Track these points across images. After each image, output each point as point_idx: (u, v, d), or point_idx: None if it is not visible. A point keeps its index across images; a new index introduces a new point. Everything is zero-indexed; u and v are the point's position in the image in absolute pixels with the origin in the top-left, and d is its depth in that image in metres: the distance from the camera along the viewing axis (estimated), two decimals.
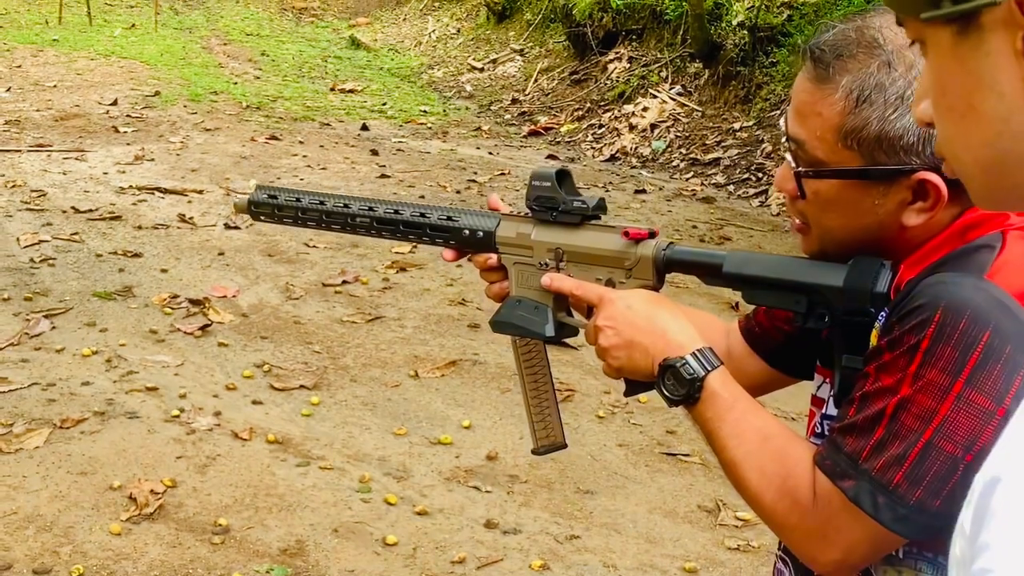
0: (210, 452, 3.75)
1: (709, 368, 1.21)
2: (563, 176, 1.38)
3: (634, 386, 1.30)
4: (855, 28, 1.18)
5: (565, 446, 1.48)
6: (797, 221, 1.27)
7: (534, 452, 1.49)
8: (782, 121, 1.26)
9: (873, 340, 1.18)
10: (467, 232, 1.46)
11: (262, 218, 1.65)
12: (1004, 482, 0.58)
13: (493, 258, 1.45)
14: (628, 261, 1.31)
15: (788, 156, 1.23)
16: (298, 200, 1.60)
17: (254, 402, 4.16)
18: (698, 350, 1.22)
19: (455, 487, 3.66)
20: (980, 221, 1.17)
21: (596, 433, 4.11)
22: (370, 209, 1.53)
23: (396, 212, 1.51)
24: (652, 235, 1.31)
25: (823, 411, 1.33)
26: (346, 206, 1.55)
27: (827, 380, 1.34)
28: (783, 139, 1.26)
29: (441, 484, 3.67)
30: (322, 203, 1.57)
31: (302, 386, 4.32)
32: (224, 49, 13.79)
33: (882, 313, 1.18)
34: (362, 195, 7.38)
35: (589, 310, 1.34)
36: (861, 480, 1.10)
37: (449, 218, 1.47)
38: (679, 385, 1.21)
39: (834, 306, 1.17)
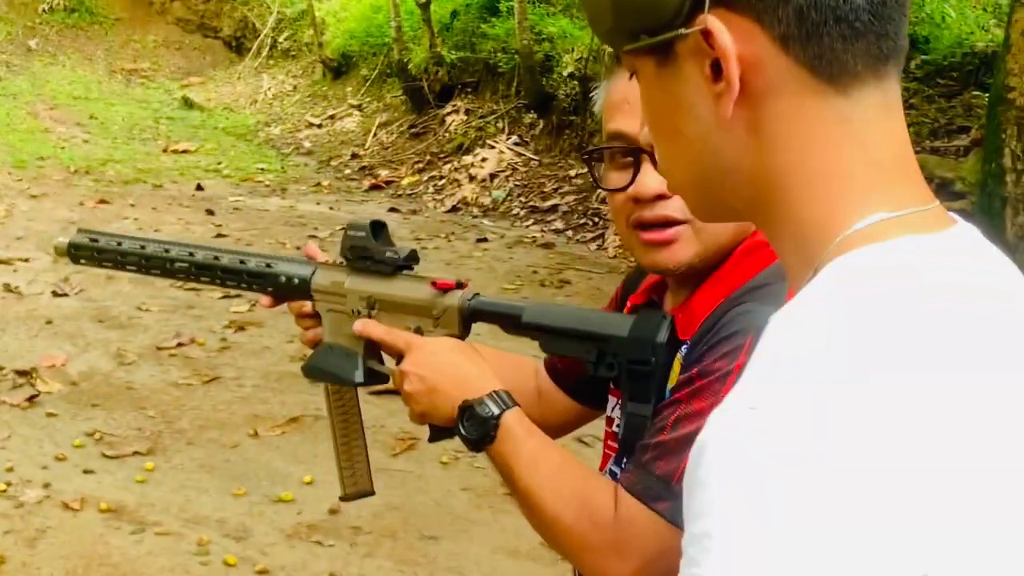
0: (40, 525, 3.61)
1: (504, 407, 1.25)
2: (378, 227, 1.42)
3: (437, 432, 1.34)
4: None
5: (372, 493, 1.51)
6: (670, 226, 1.25)
7: (341, 499, 1.52)
8: (620, 128, 1.27)
9: (675, 370, 1.23)
10: (283, 279, 1.48)
11: (82, 261, 1.63)
12: (710, 448, 0.63)
13: (308, 305, 1.47)
14: (436, 310, 1.36)
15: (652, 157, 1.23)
16: (119, 244, 1.59)
17: (85, 471, 4.02)
18: (495, 391, 1.27)
19: (297, 543, 3.61)
20: (760, 244, 1.25)
21: (440, 479, 4.12)
22: (190, 254, 1.54)
23: (215, 258, 1.53)
24: (460, 286, 1.36)
25: (614, 432, 1.39)
26: (166, 251, 1.55)
27: (618, 401, 1.40)
28: (628, 148, 1.26)
29: (283, 541, 3.62)
30: (143, 247, 1.57)
31: (136, 452, 4.20)
32: (51, 114, 13.38)
33: (683, 347, 1.23)
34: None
35: (398, 357, 1.37)
36: (677, 501, 1.09)
37: (267, 265, 1.49)
38: (476, 425, 1.25)
39: (620, 355, 1.23)
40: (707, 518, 0.61)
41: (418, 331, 1.37)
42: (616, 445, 1.38)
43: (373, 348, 1.42)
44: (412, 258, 1.40)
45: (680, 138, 0.76)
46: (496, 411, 1.25)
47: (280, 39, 16.01)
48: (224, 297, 6.30)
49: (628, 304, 1.44)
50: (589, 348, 1.25)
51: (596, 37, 0.81)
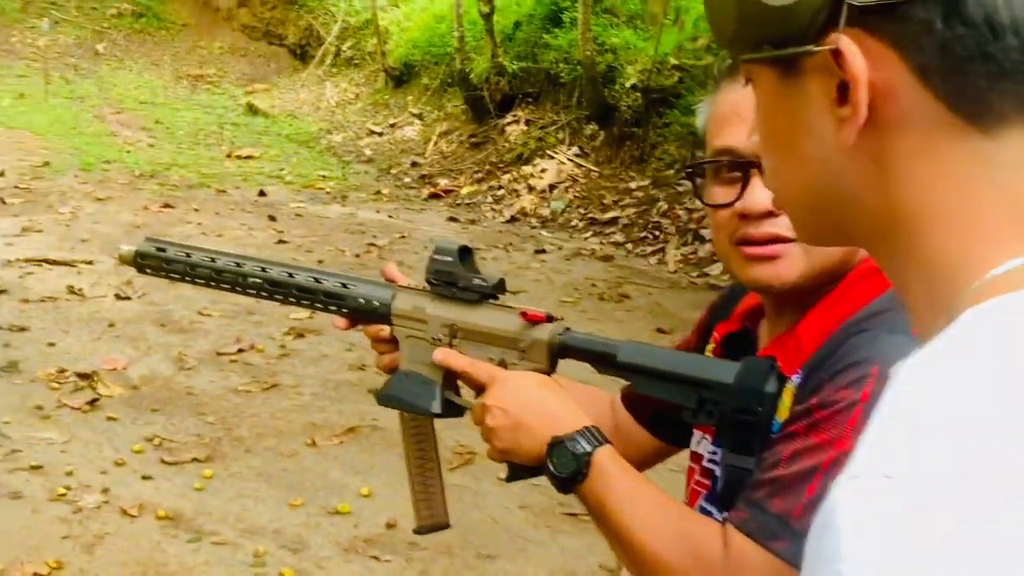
0: (97, 531, 3.62)
1: (597, 443, 1.20)
2: (465, 253, 1.37)
3: (517, 470, 1.29)
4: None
5: (448, 526, 1.46)
6: (776, 242, 1.21)
7: (416, 532, 1.46)
8: (728, 143, 1.23)
9: (788, 401, 1.17)
10: (362, 301, 1.42)
11: (148, 271, 1.59)
12: (838, 520, 0.57)
13: (386, 330, 1.42)
14: (522, 343, 1.30)
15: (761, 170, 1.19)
16: (188, 255, 1.55)
17: (144, 477, 4.03)
18: (585, 428, 1.21)
19: (353, 557, 3.58)
20: (876, 268, 1.18)
21: (497, 496, 4.07)
22: (263, 270, 1.49)
23: (290, 275, 1.48)
24: (549, 319, 1.30)
25: (706, 468, 1.33)
26: (238, 265, 1.51)
27: (706, 436, 1.34)
28: (727, 161, 1.22)
29: (339, 555, 3.59)
30: (213, 260, 1.53)
31: (194, 459, 4.20)
32: (117, 117, 13.58)
33: (796, 377, 1.18)
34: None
35: (479, 389, 1.32)
36: (796, 541, 1.05)
37: (344, 285, 1.44)
38: (566, 463, 1.20)
39: (723, 403, 1.17)
40: None
41: (502, 364, 1.31)
42: (706, 482, 1.33)
43: (452, 378, 1.37)
44: (500, 287, 1.35)
45: (795, 156, 0.71)
46: (588, 448, 1.20)
47: (344, 47, 16.12)
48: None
49: (718, 332, 1.38)
50: (689, 394, 1.19)
51: (717, 42, 0.75)
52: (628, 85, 10.15)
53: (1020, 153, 0.66)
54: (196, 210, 9.02)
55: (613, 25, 11.04)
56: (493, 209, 10.23)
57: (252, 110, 14.94)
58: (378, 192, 10.81)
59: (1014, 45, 0.64)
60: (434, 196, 10.79)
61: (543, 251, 8.44)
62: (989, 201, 0.65)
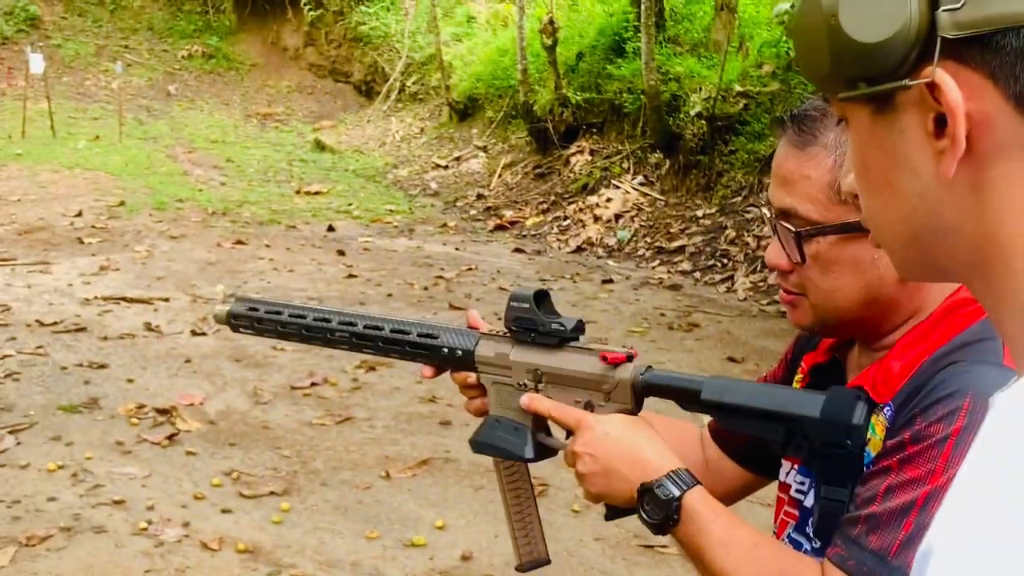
0: (179, 564, 3.67)
1: (685, 487, 1.21)
2: (541, 297, 1.39)
3: (615, 511, 1.30)
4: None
5: (548, 562, 1.47)
6: (788, 294, 1.29)
7: (517, 569, 1.47)
8: (766, 201, 1.29)
9: (880, 432, 1.18)
10: (446, 350, 1.45)
11: (241, 330, 1.63)
12: (936, 554, 0.57)
13: (472, 376, 1.45)
14: (606, 385, 1.32)
15: (779, 229, 1.25)
16: (278, 313, 1.58)
17: (223, 511, 4.09)
18: (673, 471, 1.22)
19: None
20: (966, 302, 1.19)
21: (572, 528, 4.06)
22: (350, 324, 1.52)
23: (377, 328, 1.50)
24: (630, 358, 1.32)
25: (793, 498, 1.33)
26: (326, 320, 1.54)
27: (794, 466, 1.34)
28: (769, 216, 1.29)
29: None
30: (303, 316, 1.56)
31: (272, 492, 4.25)
32: (189, 157, 13.88)
33: (887, 407, 1.18)
34: (332, 298, 7.38)
35: (568, 432, 1.33)
36: None
37: (429, 335, 1.47)
38: (657, 508, 1.21)
39: (811, 437, 1.17)
40: None
41: (588, 405, 1.32)
42: (793, 512, 1.32)
43: (542, 420, 1.38)
44: (579, 329, 1.36)
45: (892, 192, 0.72)
46: (676, 492, 1.20)
47: (408, 83, 16.33)
48: None
49: (805, 363, 1.38)
50: (776, 428, 1.19)
51: (810, 82, 0.76)
52: (693, 113, 10.13)
53: None
54: (267, 246, 9.17)
55: (676, 54, 11.04)
56: (559, 239, 10.25)
57: (319, 146, 15.17)
58: (444, 225, 10.89)
59: None
60: (500, 228, 10.84)
61: (610, 281, 8.43)
62: None
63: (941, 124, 0.66)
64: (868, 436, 1.19)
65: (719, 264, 8.70)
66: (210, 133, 15.81)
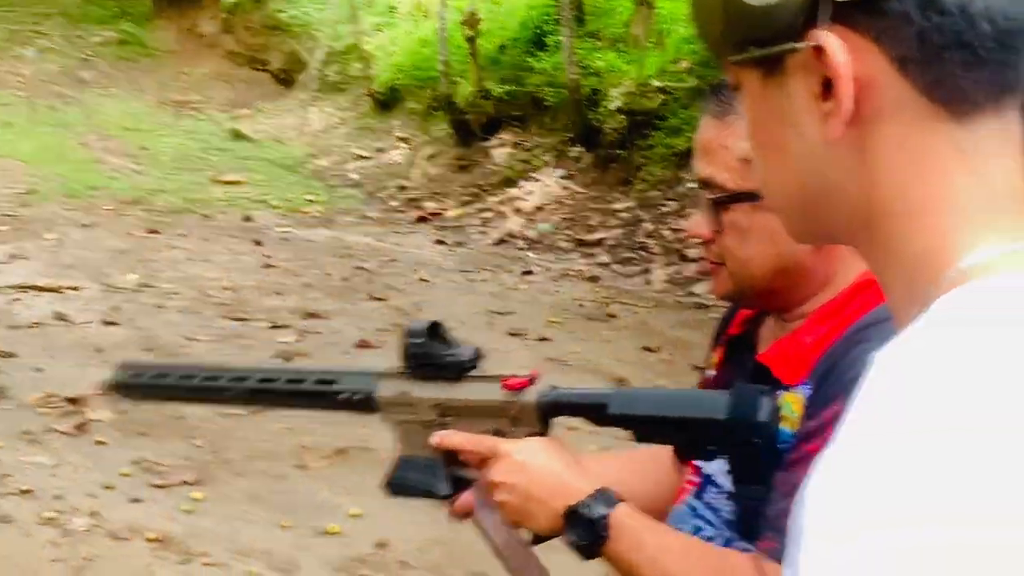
0: (87, 553, 3.61)
1: (611, 505, 1.21)
2: (435, 329, 1.36)
3: (540, 536, 1.29)
4: None
5: None
6: (710, 262, 1.32)
7: None
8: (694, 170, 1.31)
9: (797, 410, 1.20)
10: (346, 395, 1.41)
11: (130, 399, 1.59)
12: (808, 495, 0.60)
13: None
14: (512, 411, 1.30)
15: (701, 198, 1.29)
16: (164, 376, 1.52)
17: (133, 500, 4.02)
18: (597, 491, 1.22)
19: None
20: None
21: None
22: (241, 379, 1.47)
23: (270, 380, 1.46)
24: (532, 380, 1.31)
25: (696, 465, 1.35)
26: (215, 378, 1.48)
27: None
28: (697, 185, 1.31)
29: (330, 575, 3.59)
30: (191, 377, 1.50)
31: (184, 482, 4.20)
32: (102, 144, 13.58)
33: (805, 385, 1.20)
34: (248, 288, 7.30)
35: (483, 462, 1.32)
36: None
37: (325, 381, 1.42)
38: (585, 529, 1.20)
39: (720, 438, 1.18)
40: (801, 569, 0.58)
41: (497, 434, 1.30)
42: (696, 479, 1.35)
43: (452, 455, 1.36)
44: (477, 358, 1.35)
45: (782, 154, 0.73)
46: (604, 510, 1.20)
47: (329, 73, 16.17)
48: (272, 327, 6.33)
49: (725, 337, 1.41)
50: (685, 435, 1.20)
51: (704, 46, 0.78)
52: (612, 107, 10.22)
53: (993, 141, 0.68)
54: (182, 235, 9.02)
55: (597, 48, 11.11)
56: (480, 231, 10.26)
57: (237, 135, 14.96)
58: (365, 216, 10.83)
59: (988, 32, 0.66)
60: (421, 219, 10.81)
61: (530, 272, 8.47)
62: (965, 190, 0.67)
63: (828, 87, 0.68)
64: (784, 415, 1.21)
65: (637, 256, 8.79)
66: (124, 120, 15.48)
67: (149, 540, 3.71)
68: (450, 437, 1.33)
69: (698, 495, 1.34)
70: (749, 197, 1.22)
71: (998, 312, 0.63)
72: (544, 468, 1.24)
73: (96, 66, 18.12)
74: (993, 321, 0.63)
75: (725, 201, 1.24)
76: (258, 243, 8.94)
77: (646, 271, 8.47)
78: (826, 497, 0.58)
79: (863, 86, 0.67)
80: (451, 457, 1.36)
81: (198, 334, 6.08)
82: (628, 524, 1.19)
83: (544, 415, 1.29)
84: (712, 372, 1.47)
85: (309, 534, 3.85)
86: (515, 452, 1.26)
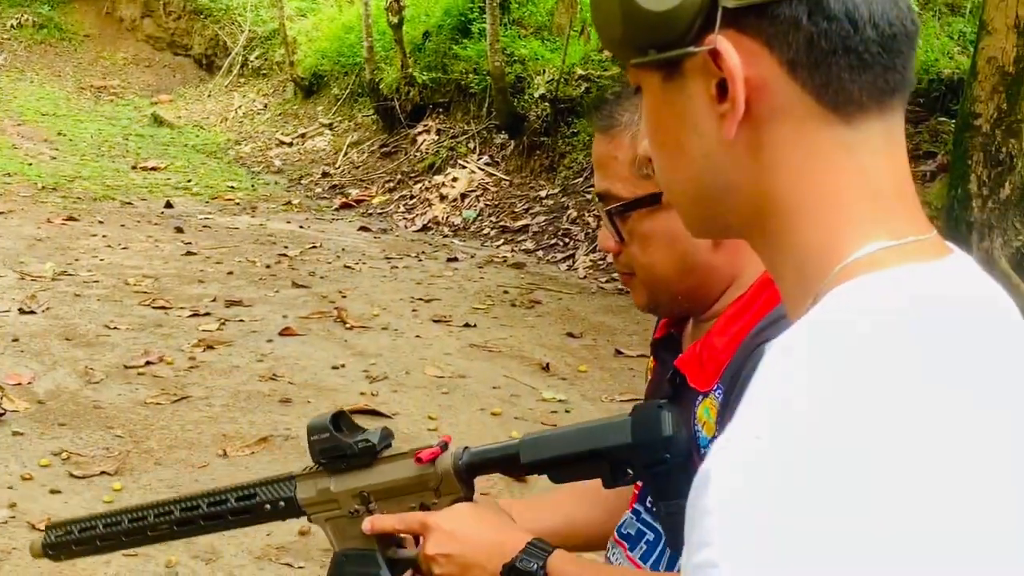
0: (4, 546, 3.56)
1: (546, 554, 1.23)
2: (338, 419, 1.37)
3: None
4: (624, 80, 1.29)
5: None
6: (623, 276, 1.34)
7: None
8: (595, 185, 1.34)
9: (713, 415, 1.22)
10: (269, 506, 1.41)
11: (62, 558, 1.54)
12: (714, 478, 0.63)
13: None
14: (432, 482, 1.31)
15: (601, 212, 1.31)
16: (92, 528, 1.49)
17: (52, 491, 3.97)
18: (528, 544, 1.24)
19: (266, 565, 3.58)
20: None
21: None
22: (166, 513, 1.46)
23: (193, 508, 1.45)
24: (445, 447, 1.31)
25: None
26: (142, 518, 1.47)
27: None
28: (599, 203, 1.33)
29: (252, 563, 3.59)
30: (117, 523, 1.48)
31: (103, 472, 4.15)
32: (17, 130, 13.28)
33: (717, 389, 1.22)
34: (169, 276, 7.21)
35: (417, 539, 1.33)
36: None
37: (246, 497, 1.42)
38: None
39: (632, 462, 1.20)
40: (710, 548, 0.60)
41: (423, 507, 1.31)
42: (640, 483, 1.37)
43: (387, 539, 1.36)
44: (386, 438, 1.35)
45: (681, 153, 0.77)
46: (540, 561, 1.22)
47: (251, 58, 15.98)
48: (193, 315, 6.26)
49: (652, 343, 1.45)
50: (600, 465, 1.21)
51: (605, 48, 0.81)
52: (537, 95, 10.26)
53: (878, 140, 0.72)
54: (101, 222, 8.88)
55: (521, 36, 11.14)
56: (405, 218, 10.25)
57: (157, 121, 14.73)
58: (288, 203, 10.74)
59: (872, 37, 0.70)
60: (345, 206, 10.76)
61: (455, 259, 8.48)
62: (852, 188, 0.72)
63: (724, 90, 0.71)
64: (703, 420, 1.24)
65: (561, 243, 8.86)
66: (41, 106, 15.15)
67: None
68: (379, 522, 1.33)
69: (641, 499, 1.38)
70: (642, 203, 1.25)
71: (879, 304, 0.67)
72: (475, 533, 1.26)
73: (11, 49, 17.68)
74: (875, 312, 0.67)
75: (622, 210, 1.26)
76: (179, 230, 8.83)
77: (570, 257, 8.54)
78: (742, 483, 0.61)
79: (755, 88, 0.71)
80: (386, 541, 1.36)
81: (117, 323, 6.00)
82: (565, 569, 1.22)
83: (463, 479, 1.30)
84: (649, 377, 1.50)
85: None
86: (444, 523, 1.27)
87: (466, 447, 1.32)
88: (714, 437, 1.21)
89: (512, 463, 1.26)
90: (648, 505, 1.34)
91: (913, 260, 0.70)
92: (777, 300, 1.23)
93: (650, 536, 1.35)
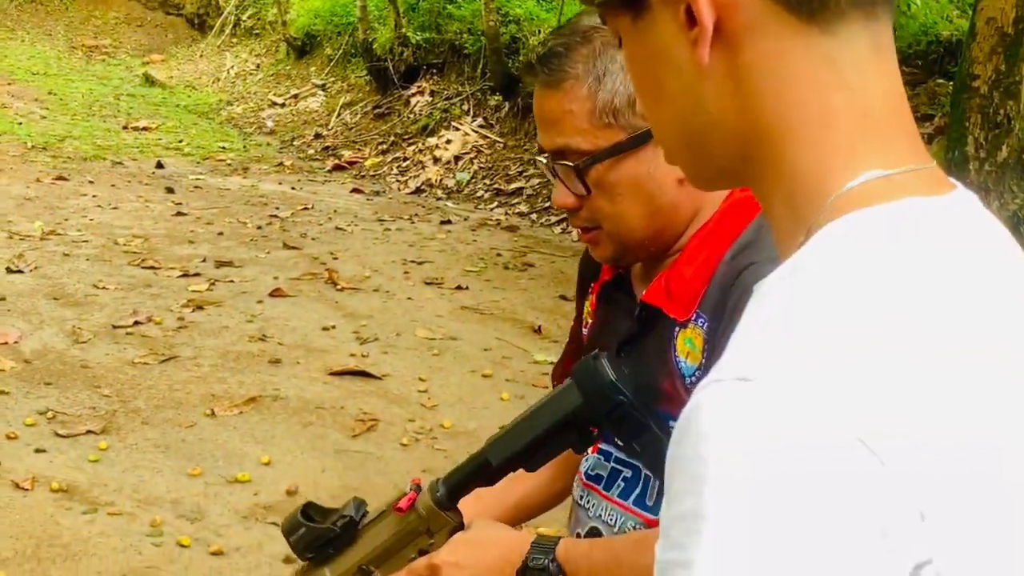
0: None
1: (552, 546, 1.24)
2: (307, 512, 1.35)
3: None
4: (568, 29, 1.26)
5: None
6: (586, 232, 1.30)
7: None
8: (539, 149, 1.29)
9: (699, 344, 1.21)
10: None
11: None
12: (699, 422, 0.59)
13: None
14: (420, 525, 1.30)
15: (558, 169, 1.26)
16: None
17: (37, 450, 3.94)
18: (533, 543, 1.25)
19: (253, 525, 3.55)
20: (744, 200, 1.24)
21: (400, 461, 4.08)
22: None
23: None
24: (418, 489, 1.31)
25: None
26: None
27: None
28: (545, 162, 1.29)
29: (238, 523, 3.56)
30: None
31: (89, 431, 4.12)
32: (8, 89, 13.14)
33: (699, 317, 1.20)
34: (159, 236, 7.15)
35: None
36: None
37: None
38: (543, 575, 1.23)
39: (595, 419, 1.19)
40: (694, 497, 0.56)
41: (423, 553, 1.30)
42: None
43: None
44: (360, 507, 1.34)
45: (663, 94, 0.72)
46: (548, 556, 1.23)
47: (244, 17, 15.82)
48: (183, 276, 6.22)
49: (593, 291, 1.41)
50: (567, 436, 1.21)
51: None
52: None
53: (863, 50, 0.66)
54: (91, 182, 8.81)
55: None
56: (398, 180, 10.17)
57: (149, 81, 14.60)
58: (280, 164, 10.66)
59: None
60: (338, 168, 10.68)
61: (448, 222, 8.43)
62: (840, 105, 0.66)
63: (692, 17, 0.67)
64: (686, 350, 1.22)
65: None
66: (31, 65, 15.00)
67: (53, 490, 3.64)
68: None
69: (607, 440, 1.35)
70: (609, 153, 1.22)
71: (874, 250, 0.62)
72: (479, 555, 1.26)
73: (2, 8, 17.50)
74: (870, 258, 0.62)
75: (589, 163, 1.22)
76: (170, 190, 8.75)
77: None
78: (731, 427, 0.57)
79: (722, 6, 0.66)
80: None
81: (106, 282, 5.95)
82: (573, 553, 1.23)
83: (448, 508, 1.29)
84: (589, 321, 1.47)
85: (218, 482, 3.81)
86: (449, 557, 1.27)
87: (438, 479, 1.31)
88: (700, 366, 1.20)
89: (485, 471, 1.26)
90: (619, 443, 1.32)
91: (911, 193, 0.64)
92: (745, 221, 1.22)
93: (627, 473, 1.34)
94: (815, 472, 0.55)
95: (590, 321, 1.46)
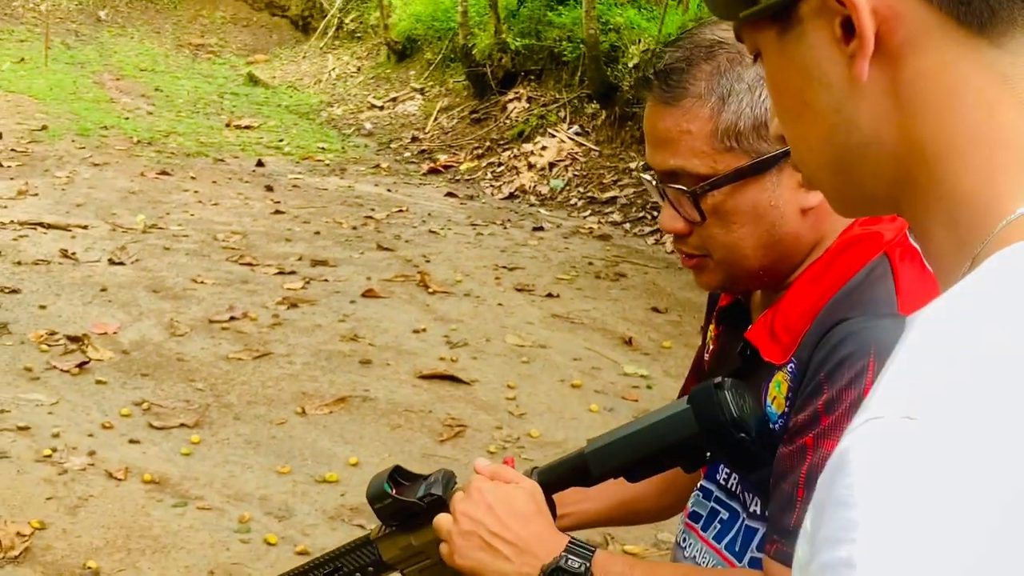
0: (82, 492, 3.59)
1: (589, 552, 1.17)
2: (396, 476, 1.32)
3: None
4: (689, 42, 1.18)
5: None
6: (692, 258, 1.23)
7: None
8: (644, 167, 1.24)
9: (783, 390, 1.15)
10: (357, 573, 1.38)
11: None
12: (856, 463, 0.54)
13: None
14: None
15: (669, 192, 1.19)
16: None
17: (131, 441, 4.01)
18: (569, 543, 1.17)
19: (339, 526, 3.56)
20: (858, 239, 1.16)
21: None
22: None
23: None
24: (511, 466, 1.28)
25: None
26: None
27: None
28: (653, 182, 1.22)
29: (325, 523, 3.57)
30: None
31: (182, 424, 4.17)
32: (116, 84, 13.51)
33: (790, 363, 1.14)
34: (257, 233, 7.25)
35: None
36: None
37: (332, 572, 1.40)
38: None
39: (710, 448, 1.14)
40: (850, 545, 0.52)
41: None
42: None
43: None
44: (450, 482, 1.30)
45: (810, 114, 0.67)
46: (586, 562, 1.16)
47: (347, 20, 16.02)
48: (279, 273, 6.29)
49: (716, 310, 1.36)
50: (676, 459, 1.16)
51: (710, 9, 0.71)
52: (631, 65, 10.08)
53: None
54: (193, 178, 8.98)
55: (618, 4, 10.96)
56: (492, 186, 10.18)
57: (252, 80, 14.86)
58: (377, 166, 10.75)
59: None
60: (433, 171, 10.73)
61: (541, 228, 8.40)
62: (1012, 124, 0.61)
63: (848, 29, 0.62)
64: (773, 395, 1.16)
65: (649, 216, 8.71)
66: (139, 61, 15.39)
67: (145, 481, 3.70)
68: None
69: (709, 476, 1.31)
70: (730, 179, 1.15)
71: None
72: (522, 513, 1.20)
73: (113, 5, 18.00)
74: None
75: (707, 189, 1.15)
76: (269, 188, 8.88)
77: (658, 231, 8.39)
78: (894, 469, 0.52)
79: (884, 18, 0.61)
80: None
81: (204, 277, 6.04)
82: (611, 565, 1.16)
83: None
84: (711, 346, 1.41)
85: (306, 481, 3.83)
86: (475, 513, 1.22)
87: (533, 468, 1.27)
88: (784, 413, 1.14)
89: (583, 476, 1.21)
90: (721, 483, 1.28)
91: None
92: (854, 267, 1.14)
93: (724, 515, 1.28)
94: (980, 527, 0.50)
95: (711, 347, 1.40)
